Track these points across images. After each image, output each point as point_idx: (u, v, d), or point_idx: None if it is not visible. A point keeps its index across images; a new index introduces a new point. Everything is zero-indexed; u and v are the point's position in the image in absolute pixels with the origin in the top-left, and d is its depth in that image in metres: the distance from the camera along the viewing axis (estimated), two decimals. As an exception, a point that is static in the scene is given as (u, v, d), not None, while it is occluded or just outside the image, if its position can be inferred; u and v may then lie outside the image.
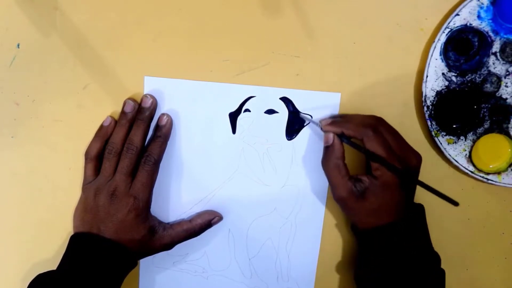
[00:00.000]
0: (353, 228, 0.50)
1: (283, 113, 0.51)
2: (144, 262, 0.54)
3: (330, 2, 0.50)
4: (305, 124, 0.51)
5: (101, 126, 0.50)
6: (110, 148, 0.48)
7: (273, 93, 0.51)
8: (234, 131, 0.52)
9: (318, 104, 0.51)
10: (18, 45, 0.50)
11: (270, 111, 0.51)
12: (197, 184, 0.53)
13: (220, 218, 0.52)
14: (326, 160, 0.48)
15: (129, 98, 0.50)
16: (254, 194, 0.53)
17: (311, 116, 0.51)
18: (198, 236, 0.52)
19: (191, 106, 0.51)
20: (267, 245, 0.54)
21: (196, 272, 0.54)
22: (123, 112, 0.49)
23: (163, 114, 0.50)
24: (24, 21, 0.49)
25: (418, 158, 0.48)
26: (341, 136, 0.47)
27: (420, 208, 0.49)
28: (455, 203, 0.42)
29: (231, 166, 0.52)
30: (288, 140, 0.52)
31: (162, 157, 0.50)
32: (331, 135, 0.47)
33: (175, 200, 0.53)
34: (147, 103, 0.49)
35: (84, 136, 0.51)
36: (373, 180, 0.46)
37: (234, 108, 0.51)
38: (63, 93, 0.51)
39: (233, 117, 0.52)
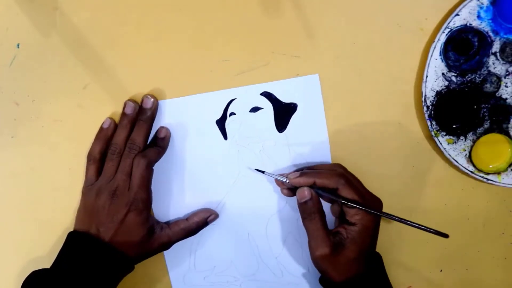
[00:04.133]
0: (322, 282, 0.49)
1: (268, 108, 0.51)
2: (175, 283, 0.54)
3: (330, 2, 0.50)
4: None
5: (101, 128, 0.50)
6: (113, 149, 0.49)
7: (253, 91, 0.51)
8: (225, 137, 0.52)
9: (299, 90, 0.51)
10: (18, 45, 0.50)
11: (255, 109, 0.51)
12: (204, 197, 0.53)
13: (216, 215, 0.52)
14: (305, 216, 0.47)
15: (129, 100, 0.50)
16: (261, 193, 0.53)
17: (296, 105, 0.51)
18: (221, 246, 0.53)
19: (180, 122, 0.51)
20: (289, 240, 0.54)
21: (228, 282, 0.54)
22: (123, 114, 0.50)
23: (162, 127, 0.51)
24: (24, 21, 0.49)
25: (380, 202, 0.49)
26: (312, 188, 0.47)
27: (378, 257, 0.49)
28: (445, 235, 0.44)
29: (232, 171, 0.52)
30: (280, 132, 0.52)
31: (157, 161, 0.50)
32: (306, 191, 0.47)
33: (188, 212, 0.53)
34: (148, 103, 0.49)
35: (84, 136, 0.51)
36: (351, 227, 0.46)
37: (219, 114, 0.51)
38: (63, 93, 0.51)
39: (221, 123, 0.52)
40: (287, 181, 0.48)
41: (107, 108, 0.51)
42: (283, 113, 0.51)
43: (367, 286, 0.46)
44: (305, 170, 0.49)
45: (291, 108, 0.51)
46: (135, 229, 0.47)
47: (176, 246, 0.52)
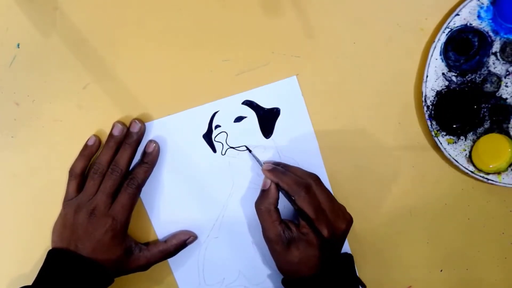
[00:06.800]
0: (283, 282, 0.50)
1: (252, 116, 0.52)
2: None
3: (330, 2, 0.50)
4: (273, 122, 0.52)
5: (86, 145, 0.51)
6: (96, 168, 0.49)
7: (235, 101, 0.51)
8: (214, 150, 0.52)
9: (280, 94, 0.51)
10: (18, 45, 0.50)
11: (239, 119, 0.52)
12: (203, 212, 0.53)
13: (194, 237, 0.53)
14: (259, 202, 0.49)
15: (118, 121, 0.50)
16: None
17: (279, 109, 0.51)
18: (227, 258, 0.53)
19: (167, 142, 0.51)
20: None
21: None
22: (111, 135, 0.50)
23: (150, 141, 0.51)
24: (24, 21, 0.49)
25: (348, 222, 0.48)
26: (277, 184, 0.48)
27: (349, 259, 0.49)
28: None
29: (226, 183, 0.53)
30: (267, 138, 0.52)
31: (146, 182, 0.50)
32: (268, 181, 0.49)
33: (191, 229, 0.53)
34: (135, 128, 0.50)
35: (84, 136, 0.51)
36: (300, 234, 0.47)
37: (205, 129, 0.52)
38: (63, 93, 0.51)
39: (207, 137, 0.52)
40: (261, 168, 0.50)
41: (107, 108, 0.51)
42: (267, 119, 0.52)
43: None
44: (281, 166, 0.50)
45: (274, 113, 0.52)
46: (111, 249, 0.48)
47: (184, 262, 0.53)
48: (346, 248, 0.54)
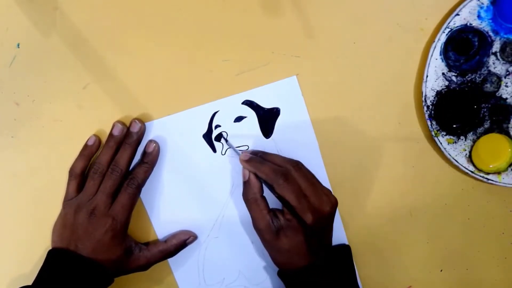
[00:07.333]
0: (279, 274, 0.50)
1: (252, 116, 0.52)
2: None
3: (330, 2, 0.50)
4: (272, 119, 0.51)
5: (86, 145, 0.51)
6: (96, 168, 0.49)
7: (234, 101, 0.51)
8: (214, 150, 0.52)
9: (280, 94, 0.51)
10: (18, 45, 0.50)
11: (239, 118, 0.52)
12: (203, 212, 0.53)
13: (194, 237, 0.53)
14: (245, 194, 0.49)
15: (118, 121, 0.50)
16: None
17: (279, 109, 0.51)
18: (227, 258, 0.53)
19: (167, 142, 0.52)
20: None
21: None
22: (111, 135, 0.50)
23: (150, 141, 0.51)
24: (24, 21, 0.49)
25: (332, 204, 0.47)
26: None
27: (346, 250, 0.49)
28: None
29: (227, 183, 0.53)
30: (267, 138, 0.52)
31: (146, 182, 0.50)
32: (247, 172, 0.48)
33: (191, 229, 0.53)
34: (135, 128, 0.50)
35: (84, 136, 0.51)
36: (286, 221, 0.47)
37: (205, 128, 0.52)
38: (63, 93, 0.51)
39: (208, 137, 0.52)
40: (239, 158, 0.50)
41: (107, 108, 0.51)
42: (267, 118, 0.52)
43: (308, 280, 0.46)
44: (259, 155, 0.50)
45: (274, 113, 0.52)
46: (111, 249, 0.48)
47: (184, 262, 0.53)
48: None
